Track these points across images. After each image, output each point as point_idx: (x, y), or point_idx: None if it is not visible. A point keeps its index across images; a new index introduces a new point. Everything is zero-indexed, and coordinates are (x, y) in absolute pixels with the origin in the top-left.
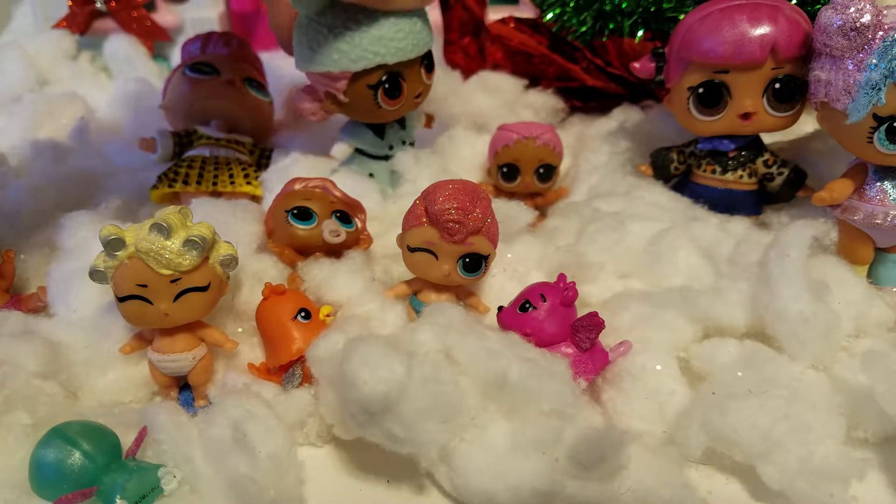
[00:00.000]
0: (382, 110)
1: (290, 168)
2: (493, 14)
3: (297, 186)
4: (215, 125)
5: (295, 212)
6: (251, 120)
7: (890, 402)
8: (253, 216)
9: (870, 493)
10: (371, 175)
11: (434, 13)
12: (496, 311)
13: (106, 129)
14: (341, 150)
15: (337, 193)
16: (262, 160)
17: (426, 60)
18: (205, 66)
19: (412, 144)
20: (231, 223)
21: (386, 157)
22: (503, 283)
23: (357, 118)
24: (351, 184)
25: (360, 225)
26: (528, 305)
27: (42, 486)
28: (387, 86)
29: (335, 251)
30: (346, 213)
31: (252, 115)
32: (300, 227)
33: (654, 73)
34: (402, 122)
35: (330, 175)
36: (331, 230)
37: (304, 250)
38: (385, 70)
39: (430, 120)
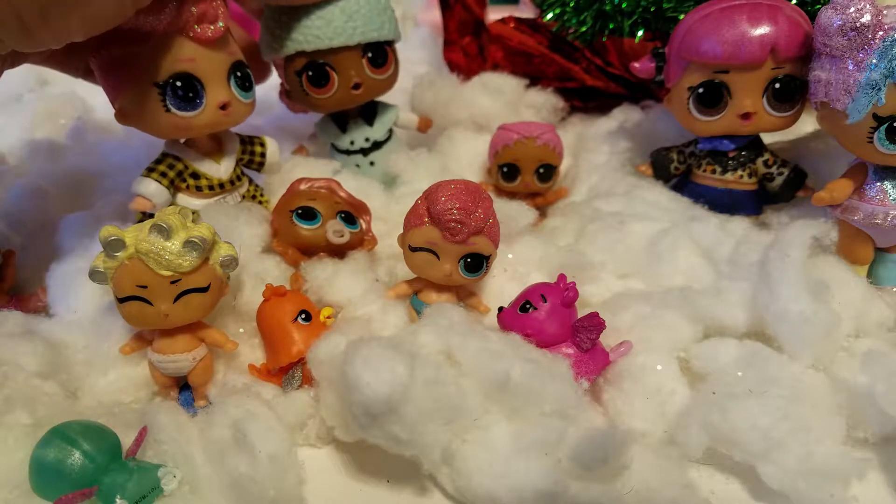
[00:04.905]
0: (311, 98)
1: (294, 169)
2: (493, 14)
3: (303, 186)
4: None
5: (300, 211)
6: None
7: (890, 402)
8: (257, 218)
9: (870, 493)
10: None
11: (434, 13)
12: (496, 312)
13: (104, 129)
14: (314, 141)
15: (342, 194)
16: (252, 160)
17: (370, 53)
18: None
19: (381, 144)
20: (234, 226)
21: (348, 152)
22: (504, 283)
23: (303, 106)
24: (355, 185)
25: (364, 226)
26: (528, 306)
27: (42, 486)
28: (309, 73)
29: (339, 252)
30: (351, 213)
31: None
32: (304, 227)
33: (654, 73)
34: (368, 119)
35: (333, 175)
36: (335, 231)
37: (309, 250)
38: (306, 57)
39: (425, 124)
